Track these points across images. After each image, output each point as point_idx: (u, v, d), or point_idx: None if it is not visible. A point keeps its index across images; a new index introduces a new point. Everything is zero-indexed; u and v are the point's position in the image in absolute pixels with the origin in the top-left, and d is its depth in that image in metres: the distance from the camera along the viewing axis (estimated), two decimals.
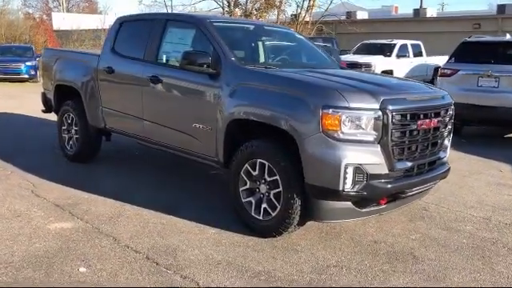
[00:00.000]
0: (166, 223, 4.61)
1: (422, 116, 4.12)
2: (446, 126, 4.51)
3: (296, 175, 3.99)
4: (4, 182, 5.76)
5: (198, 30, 5.05)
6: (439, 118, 4.34)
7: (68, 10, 51.89)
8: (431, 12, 31.70)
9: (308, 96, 3.92)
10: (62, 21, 37.73)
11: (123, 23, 6.08)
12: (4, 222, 4.51)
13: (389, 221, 4.78)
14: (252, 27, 5.71)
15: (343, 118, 3.77)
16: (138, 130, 5.67)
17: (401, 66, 16.21)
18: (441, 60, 18.89)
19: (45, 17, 45.25)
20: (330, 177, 3.80)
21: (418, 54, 18.10)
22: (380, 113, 3.83)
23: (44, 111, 7.54)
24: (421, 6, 36.39)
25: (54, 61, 6.97)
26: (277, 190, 4.14)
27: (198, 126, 4.85)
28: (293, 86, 4.12)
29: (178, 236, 4.31)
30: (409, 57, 17.50)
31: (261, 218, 4.29)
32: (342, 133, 3.78)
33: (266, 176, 4.22)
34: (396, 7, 40.29)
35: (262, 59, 5.22)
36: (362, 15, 32.43)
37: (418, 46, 18.33)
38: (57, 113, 7.04)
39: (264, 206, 4.27)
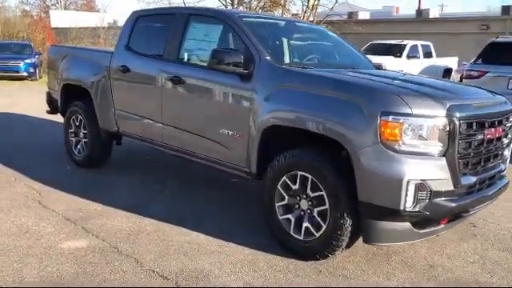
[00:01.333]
0: (191, 241, 4.09)
1: (488, 124, 3.62)
2: (507, 134, 4.01)
3: (347, 191, 3.48)
4: (8, 191, 5.22)
5: (227, 25, 4.53)
6: (503, 126, 3.84)
7: (65, 8, 51.19)
8: (434, 13, 31.31)
9: (363, 101, 3.40)
10: (60, 18, 37.11)
11: (139, 18, 5.55)
12: (11, 240, 3.98)
13: (438, 239, 4.27)
14: (283, 23, 5.19)
15: (405, 126, 3.26)
16: (155, 135, 5.14)
17: (411, 67, 15.72)
18: (450, 61, 18.48)
19: (42, 14, 44.57)
20: (389, 194, 3.28)
21: (427, 54, 17.63)
22: (446, 121, 3.32)
23: (49, 112, 7.00)
24: (419, 7, 35.99)
25: (60, 58, 6.43)
26: (322, 208, 3.63)
27: (226, 132, 4.33)
28: (344, 89, 3.60)
29: (208, 257, 3.79)
30: (419, 58, 17.03)
31: (302, 238, 3.78)
32: (404, 144, 3.27)
33: (309, 191, 3.70)
34: (397, 8, 39.88)
35: (295, 58, 4.69)
36: (363, 15, 32.00)
37: (428, 46, 17.87)
38: (63, 114, 6.49)
39: (306, 224, 3.75)
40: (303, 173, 3.72)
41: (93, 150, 5.99)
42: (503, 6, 27.40)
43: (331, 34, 5.39)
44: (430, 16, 29.93)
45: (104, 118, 5.75)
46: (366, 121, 3.35)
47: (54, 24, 36.11)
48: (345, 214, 3.49)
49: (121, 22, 33.51)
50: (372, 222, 3.42)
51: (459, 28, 24.84)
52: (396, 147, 3.27)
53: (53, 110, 6.89)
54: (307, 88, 3.80)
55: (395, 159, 3.27)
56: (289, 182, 3.83)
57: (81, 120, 6.08)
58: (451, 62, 18.30)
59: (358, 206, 3.44)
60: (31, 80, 19.02)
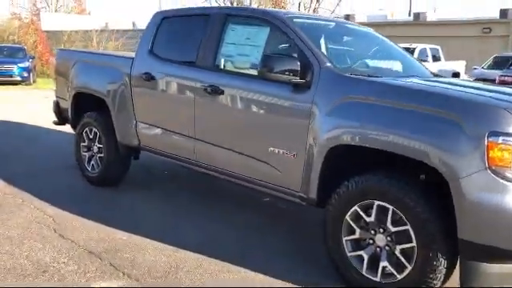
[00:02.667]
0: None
1: None
2: None
3: (441, 226, 2.87)
4: (17, 216, 4.55)
5: (275, 28, 3.91)
6: None
7: (56, 11, 50.25)
8: (431, 16, 30.92)
9: (464, 117, 2.80)
10: (52, 21, 36.28)
11: (164, 20, 4.90)
12: (28, 283, 3.31)
13: None
14: (332, 25, 4.57)
15: None
16: (186, 151, 4.51)
17: None
18: (458, 65, 18.03)
19: (33, 18, 43.59)
20: (501, 232, 2.69)
21: (436, 58, 17.16)
22: None
23: (56, 123, 6.32)
24: (410, 10, 35.65)
25: (70, 64, 5.76)
26: (407, 246, 3.02)
27: (276, 151, 3.72)
28: (437, 103, 2.99)
29: None
30: (428, 61, 16.54)
31: (378, 279, 3.16)
32: None
33: (389, 225, 3.09)
34: (392, 13, 39.56)
35: (354, 65, 4.07)
36: (360, 18, 31.56)
37: (437, 50, 17.42)
38: (74, 126, 5.81)
39: (384, 264, 3.14)
40: (381, 202, 3.11)
41: (109, 166, 5.33)
42: (501, 10, 27.09)
43: (381, 36, 4.79)
44: (428, 19, 29.54)
45: (123, 131, 5.10)
46: (469, 142, 2.75)
47: (44, 27, 35.26)
48: (438, 254, 2.89)
49: (112, 25, 32.87)
50: (475, 264, 2.81)
51: (462, 31, 24.42)
52: (508, 174, 2.67)
53: (61, 120, 6.21)
54: (384, 101, 3.19)
55: (508, 189, 2.66)
56: (361, 213, 3.22)
57: (95, 133, 5.42)
58: (459, 66, 17.85)
59: (455, 245, 2.83)
60: (25, 84, 18.24)
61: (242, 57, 4.11)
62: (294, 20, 3.94)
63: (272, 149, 3.75)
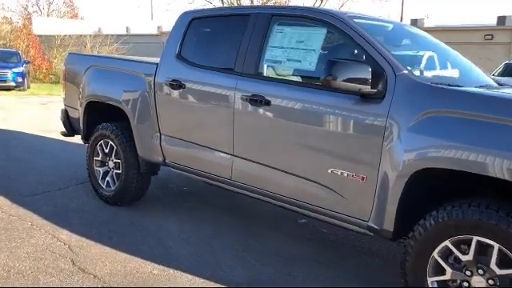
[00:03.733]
0: None
1: None
2: None
3: None
4: (27, 243, 3.94)
5: (334, 29, 3.35)
6: None
7: (48, 15, 49.47)
8: (428, 23, 30.61)
9: None
10: (44, 26, 35.54)
11: (193, 20, 4.32)
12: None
13: None
14: (390, 27, 4.02)
15: None
16: (220, 169, 3.93)
17: None
18: (451, 73, 17.54)
19: (25, 22, 42.77)
20: None
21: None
22: None
23: (65, 134, 5.70)
24: (402, 17, 35.36)
25: (83, 69, 5.15)
26: None
27: (339, 172, 3.16)
28: None
29: None
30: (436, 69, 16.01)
31: None
32: None
33: (494, 266, 2.53)
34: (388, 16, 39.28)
35: (424, 72, 3.52)
36: None
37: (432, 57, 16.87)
38: (86, 138, 5.21)
39: None
40: (483, 238, 2.55)
41: (128, 183, 4.72)
42: (499, 17, 26.83)
43: (437, 41, 4.26)
44: (425, 25, 29.20)
45: (145, 144, 4.51)
46: None
47: (36, 31, 34.48)
48: None
49: (105, 30, 32.24)
50: None
51: (463, 38, 24.05)
52: None
53: (71, 132, 5.60)
54: (483, 116, 2.63)
55: None
56: (454, 250, 2.66)
57: (111, 146, 4.81)
58: (454, 74, 17.32)
59: None
60: (19, 90, 17.50)
61: (291, 62, 3.53)
62: (355, 20, 3.38)
63: (333, 170, 3.19)
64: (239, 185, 3.84)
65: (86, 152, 5.14)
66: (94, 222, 4.44)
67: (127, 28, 37.29)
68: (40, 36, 32.83)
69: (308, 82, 3.42)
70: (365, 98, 3.04)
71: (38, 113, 11.54)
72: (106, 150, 4.89)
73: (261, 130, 3.62)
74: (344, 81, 3.00)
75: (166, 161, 4.44)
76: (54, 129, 8.91)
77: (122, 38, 30.47)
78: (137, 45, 29.26)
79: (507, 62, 15.86)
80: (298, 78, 3.51)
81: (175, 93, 4.20)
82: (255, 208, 4.86)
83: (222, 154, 3.89)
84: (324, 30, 3.40)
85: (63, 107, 5.65)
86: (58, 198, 5.09)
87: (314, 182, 3.32)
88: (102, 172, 4.99)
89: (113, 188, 4.87)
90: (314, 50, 3.39)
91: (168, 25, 32.52)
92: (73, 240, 4.02)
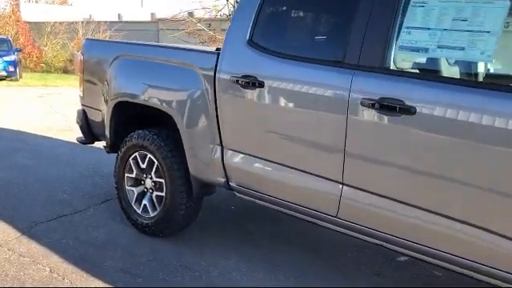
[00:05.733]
0: None
1: None
2: None
3: None
4: None
5: None
6: None
7: (37, 1, 47.53)
8: None
9: None
10: (33, 12, 33.87)
11: None
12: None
13: None
14: None
15: None
16: (321, 203, 2.79)
17: None
18: None
19: (13, 8, 40.90)
20: None
21: None
22: None
23: (83, 142, 4.46)
24: None
25: (108, 61, 3.94)
26: None
27: None
28: None
29: None
30: None
31: None
32: None
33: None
34: None
35: None
36: None
37: None
38: (113, 148, 4.00)
39: None
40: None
41: (174, 209, 3.54)
42: None
43: None
44: None
45: (200, 160, 3.33)
46: None
47: (25, 18, 32.78)
48: None
49: (97, 17, 30.75)
50: None
51: None
52: None
53: (90, 138, 4.38)
54: None
55: None
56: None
57: (151, 161, 3.62)
58: None
59: None
60: (11, 80, 16.07)
61: (447, 51, 2.36)
62: None
63: None
64: (350, 226, 2.68)
65: (114, 166, 3.93)
66: (134, 265, 3.28)
67: (119, 15, 35.76)
68: (29, 23, 31.25)
69: (485, 81, 2.25)
70: None
71: (37, 107, 10.22)
72: (143, 166, 3.70)
73: (395, 151, 2.45)
74: None
75: (231, 183, 3.26)
76: (57, 127, 7.69)
77: (115, 25, 29.07)
78: (131, 32, 27.75)
79: None
80: (460, 75, 2.35)
81: (248, 93, 3.02)
82: (324, 235, 3.70)
83: (324, 182, 2.73)
84: (506, 3, 2.23)
85: (80, 107, 4.42)
86: (78, 226, 3.90)
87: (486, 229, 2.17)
88: (136, 193, 3.80)
89: (152, 214, 3.69)
90: (488, 32, 2.22)
91: (162, 11, 31.11)
92: None
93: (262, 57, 2.98)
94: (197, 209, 3.66)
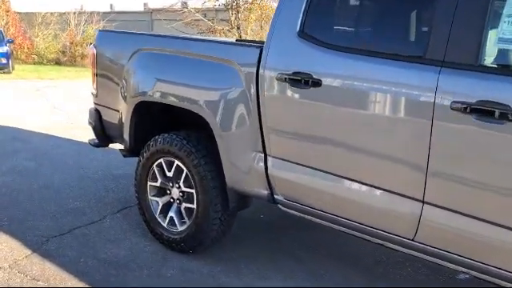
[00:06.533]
0: None
1: None
2: None
3: None
4: None
5: None
6: None
7: None
8: None
9: None
10: (22, 2, 32.96)
11: None
12: None
13: None
14: None
15: None
16: (394, 223, 2.36)
17: None
18: None
19: None
20: None
21: None
22: None
23: (96, 144, 3.99)
24: None
25: (127, 54, 3.47)
26: None
27: None
28: None
29: None
30: None
31: None
32: None
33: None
34: None
35: None
36: None
37: None
38: (132, 152, 3.54)
39: None
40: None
41: (206, 224, 3.11)
42: None
43: None
44: None
45: (239, 169, 2.90)
46: None
47: (15, 8, 31.92)
48: None
49: (88, 7, 30.01)
50: None
51: None
52: None
53: (104, 140, 3.91)
54: None
55: None
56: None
57: (179, 168, 3.16)
58: None
59: None
60: (3, 73, 15.45)
61: None
62: None
63: None
64: (430, 250, 2.25)
65: (135, 173, 3.47)
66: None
67: (111, 5, 35.06)
68: (19, 13, 30.48)
69: None
70: None
71: (34, 102, 9.68)
72: (169, 174, 3.24)
73: (496, 165, 2.02)
74: None
75: (276, 196, 2.83)
76: (58, 124, 7.19)
77: (108, 16, 28.46)
78: (124, 23, 27.11)
79: None
80: None
81: (300, 93, 2.57)
82: (363, 247, 3.28)
83: (399, 199, 2.30)
84: None
85: (93, 106, 3.94)
86: (95, 241, 3.45)
87: None
88: (161, 204, 3.35)
89: (180, 229, 3.25)
90: None
91: (154, 1, 30.41)
92: None
93: (318, 51, 2.54)
94: (231, 223, 3.22)
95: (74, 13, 28.99)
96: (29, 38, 27.07)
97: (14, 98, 10.24)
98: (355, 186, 2.45)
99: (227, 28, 16.87)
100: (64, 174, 4.89)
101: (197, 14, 17.23)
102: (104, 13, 29.12)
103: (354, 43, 2.54)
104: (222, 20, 18.10)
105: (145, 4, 34.12)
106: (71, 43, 26.62)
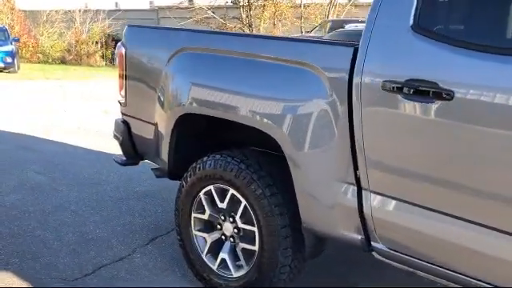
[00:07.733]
0: None
1: None
2: None
3: None
4: None
5: None
6: None
7: None
8: None
9: None
10: (28, 0, 32.40)
11: None
12: None
13: None
14: None
15: None
16: None
17: None
18: None
19: None
20: None
21: None
22: None
23: (123, 162, 3.28)
24: None
25: (166, 55, 2.76)
26: None
27: None
28: None
29: None
30: None
31: None
32: None
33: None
34: None
35: None
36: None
37: None
38: (172, 174, 2.83)
39: None
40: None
41: (272, 271, 2.39)
42: None
43: None
44: None
45: (320, 205, 2.19)
46: None
47: (20, 6, 31.33)
48: None
49: (92, 5, 29.37)
50: None
51: None
52: None
53: (134, 158, 3.19)
54: None
55: None
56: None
57: (234, 198, 2.46)
58: None
59: None
60: (8, 72, 14.77)
61: None
62: None
63: None
64: None
65: (176, 200, 2.76)
66: None
67: (116, 3, 34.50)
68: (24, 11, 29.90)
69: None
70: None
71: (42, 104, 8.95)
72: (222, 205, 2.53)
73: None
74: None
75: (374, 243, 2.11)
76: (70, 129, 6.50)
77: (113, 14, 27.92)
78: (130, 21, 26.46)
79: None
80: None
81: (419, 109, 1.86)
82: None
83: None
84: None
85: (120, 117, 3.23)
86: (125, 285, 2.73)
87: None
88: (209, 241, 2.65)
89: (236, 275, 2.55)
90: None
91: None
92: None
93: (446, 51, 1.82)
94: (301, 270, 2.51)
95: (79, 11, 28.39)
96: (34, 37, 26.48)
97: (20, 100, 9.53)
98: (502, 238, 1.74)
99: (239, 26, 16.18)
100: (80, 192, 4.20)
101: (209, 12, 16.56)
102: (110, 11, 28.61)
103: (500, 41, 1.82)
104: (234, 18, 17.41)
105: (150, 2, 33.56)
106: (77, 41, 26.02)
